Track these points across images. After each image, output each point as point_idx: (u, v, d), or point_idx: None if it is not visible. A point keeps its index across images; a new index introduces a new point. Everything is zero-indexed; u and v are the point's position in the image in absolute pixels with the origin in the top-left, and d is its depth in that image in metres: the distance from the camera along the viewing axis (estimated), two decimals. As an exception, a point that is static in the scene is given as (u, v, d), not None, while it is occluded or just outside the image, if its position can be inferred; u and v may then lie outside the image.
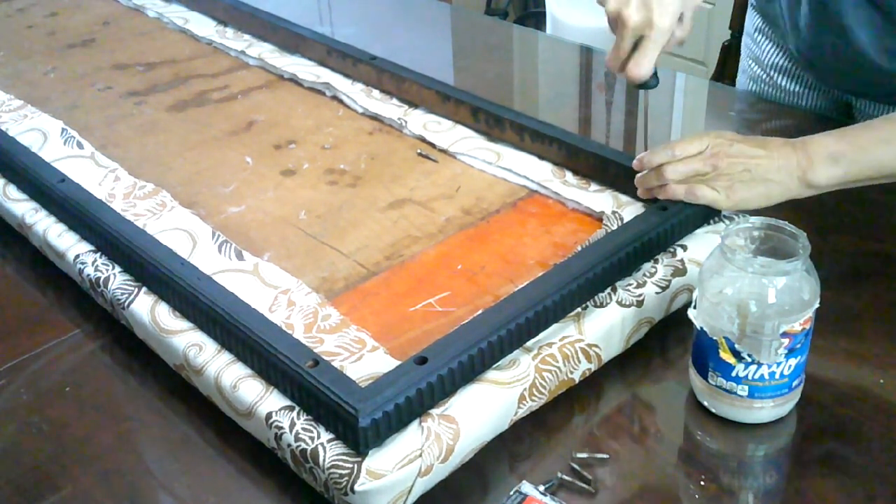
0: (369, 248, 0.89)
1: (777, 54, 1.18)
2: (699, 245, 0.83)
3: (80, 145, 1.04)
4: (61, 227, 0.90)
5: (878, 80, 1.04)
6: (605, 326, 0.76)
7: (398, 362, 0.70)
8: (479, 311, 0.74)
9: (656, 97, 1.24)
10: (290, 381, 0.67)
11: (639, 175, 0.87)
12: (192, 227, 0.89)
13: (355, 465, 0.63)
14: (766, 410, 0.71)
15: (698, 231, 0.85)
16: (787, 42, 1.12)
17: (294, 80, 1.22)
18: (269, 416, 0.68)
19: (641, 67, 0.83)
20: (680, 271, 0.81)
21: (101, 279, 0.83)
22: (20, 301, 0.90)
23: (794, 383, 0.71)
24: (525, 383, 0.70)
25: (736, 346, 0.69)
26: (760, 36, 1.20)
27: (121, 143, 1.09)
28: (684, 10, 0.84)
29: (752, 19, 1.22)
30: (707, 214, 0.85)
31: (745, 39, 1.26)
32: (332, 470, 0.63)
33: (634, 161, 0.88)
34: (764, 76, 1.21)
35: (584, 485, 0.67)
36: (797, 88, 1.18)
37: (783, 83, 1.19)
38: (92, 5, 1.50)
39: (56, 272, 0.90)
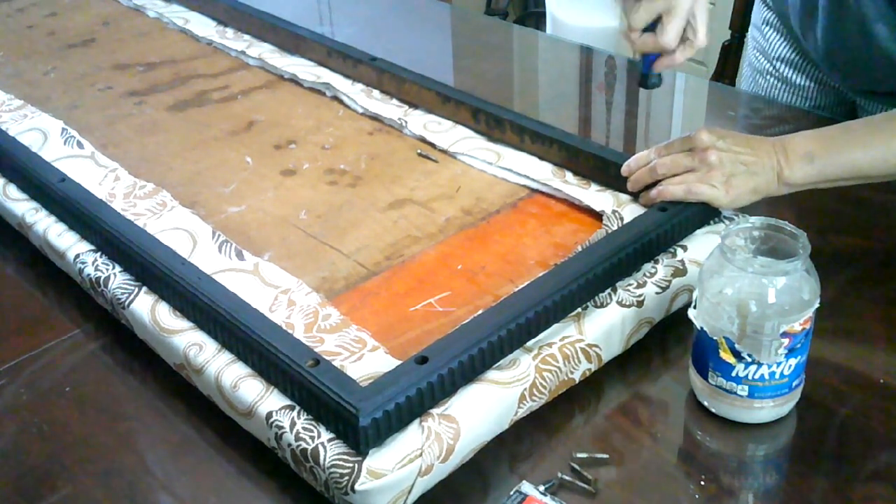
0: (369, 248, 0.89)
1: (785, 47, 1.18)
2: (699, 245, 0.83)
3: (80, 145, 1.04)
4: (61, 226, 0.90)
5: (892, 75, 1.03)
6: (605, 326, 0.76)
7: (398, 362, 0.70)
8: (480, 311, 0.74)
9: (656, 97, 1.25)
10: (291, 381, 0.67)
11: (631, 178, 0.88)
12: (193, 227, 0.89)
13: (356, 465, 0.63)
14: (766, 410, 0.71)
15: (698, 231, 0.85)
16: (801, 38, 1.12)
17: (294, 81, 1.22)
18: (269, 415, 0.68)
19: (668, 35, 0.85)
20: (680, 272, 0.81)
21: (102, 279, 0.83)
22: (20, 301, 0.90)
23: (794, 383, 0.71)
24: (525, 383, 0.70)
25: (736, 346, 0.69)
26: (768, 28, 1.20)
27: (121, 143, 1.09)
28: (690, 18, 0.85)
29: (759, 12, 1.22)
30: (707, 215, 0.85)
31: (752, 32, 1.26)
32: (332, 469, 0.63)
33: (623, 167, 0.89)
34: (770, 69, 1.21)
35: (584, 485, 0.67)
36: (803, 82, 1.18)
37: (790, 76, 1.19)
38: (92, 5, 1.50)
39: (56, 272, 0.90)
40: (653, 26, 0.85)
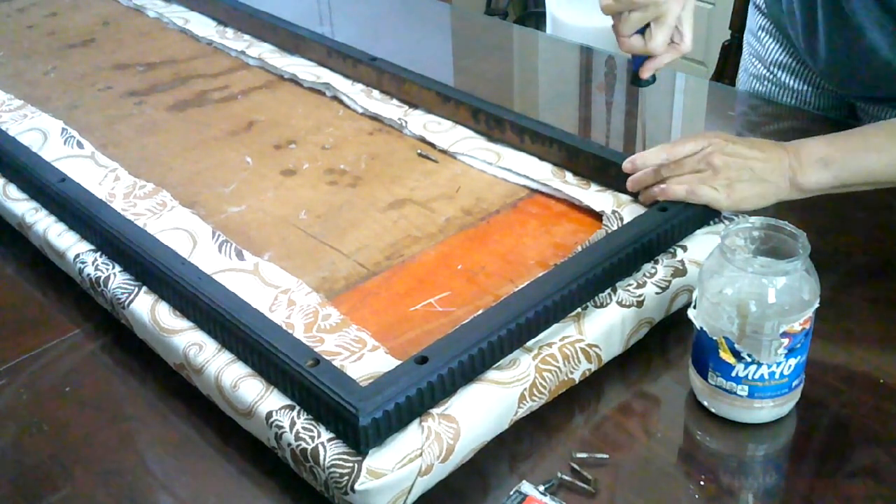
0: (369, 248, 0.89)
1: (781, 52, 1.18)
2: (699, 246, 0.83)
3: (80, 145, 1.04)
4: (61, 226, 0.90)
5: (890, 81, 1.03)
6: (605, 326, 0.76)
7: (398, 362, 0.70)
8: (480, 311, 0.74)
9: (656, 98, 1.25)
10: (291, 381, 0.67)
11: (633, 175, 0.88)
12: (193, 227, 0.89)
13: (355, 465, 0.63)
14: (766, 410, 0.71)
15: (698, 232, 0.85)
16: (804, 53, 1.12)
17: (294, 81, 1.22)
18: (269, 415, 0.68)
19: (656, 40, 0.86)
20: (680, 272, 0.81)
21: (102, 278, 0.83)
22: (20, 301, 0.90)
23: (794, 383, 0.71)
24: (525, 383, 0.70)
25: (736, 346, 0.69)
26: (764, 34, 1.20)
27: (121, 143, 1.09)
28: (677, 24, 0.86)
29: (755, 18, 1.22)
30: (707, 215, 0.85)
31: (747, 37, 1.26)
32: (332, 469, 0.63)
33: (625, 163, 0.89)
34: (767, 74, 1.21)
35: (584, 485, 0.67)
36: (801, 86, 1.18)
37: (787, 81, 1.19)
38: (92, 5, 1.50)
39: (56, 272, 0.90)
40: (641, 30, 0.86)
